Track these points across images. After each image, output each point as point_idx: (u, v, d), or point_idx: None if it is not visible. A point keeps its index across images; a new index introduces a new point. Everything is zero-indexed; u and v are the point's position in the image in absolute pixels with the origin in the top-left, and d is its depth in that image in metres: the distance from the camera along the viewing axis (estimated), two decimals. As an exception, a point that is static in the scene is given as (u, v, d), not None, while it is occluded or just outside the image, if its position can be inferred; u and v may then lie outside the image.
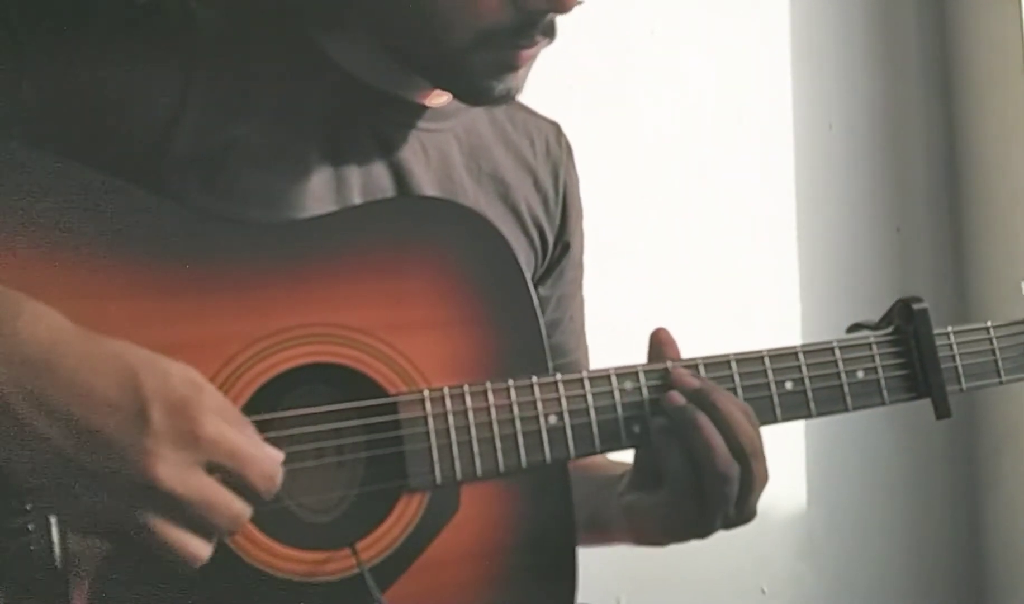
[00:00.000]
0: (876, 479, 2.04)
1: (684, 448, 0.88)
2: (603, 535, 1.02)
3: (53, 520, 0.73)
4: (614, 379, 0.89)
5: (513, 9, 0.87)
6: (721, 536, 1.01)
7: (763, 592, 1.94)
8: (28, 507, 0.73)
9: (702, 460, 0.87)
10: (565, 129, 1.18)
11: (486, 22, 0.88)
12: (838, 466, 2.00)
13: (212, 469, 0.71)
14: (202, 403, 0.71)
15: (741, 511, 0.90)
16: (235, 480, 0.72)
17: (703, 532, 0.92)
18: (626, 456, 0.97)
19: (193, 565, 0.71)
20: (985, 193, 2.12)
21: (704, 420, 0.87)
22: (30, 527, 0.73)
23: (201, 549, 0.71)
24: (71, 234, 0.78)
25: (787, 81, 2.05)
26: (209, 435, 0.70)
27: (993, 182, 2.10)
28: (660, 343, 0.94)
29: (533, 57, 0.93)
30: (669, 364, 0.91)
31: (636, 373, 0.90)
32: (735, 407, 0.89)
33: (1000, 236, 2.08)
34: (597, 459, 1.01)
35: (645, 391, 0.90)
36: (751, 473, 0.88)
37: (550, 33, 0.91)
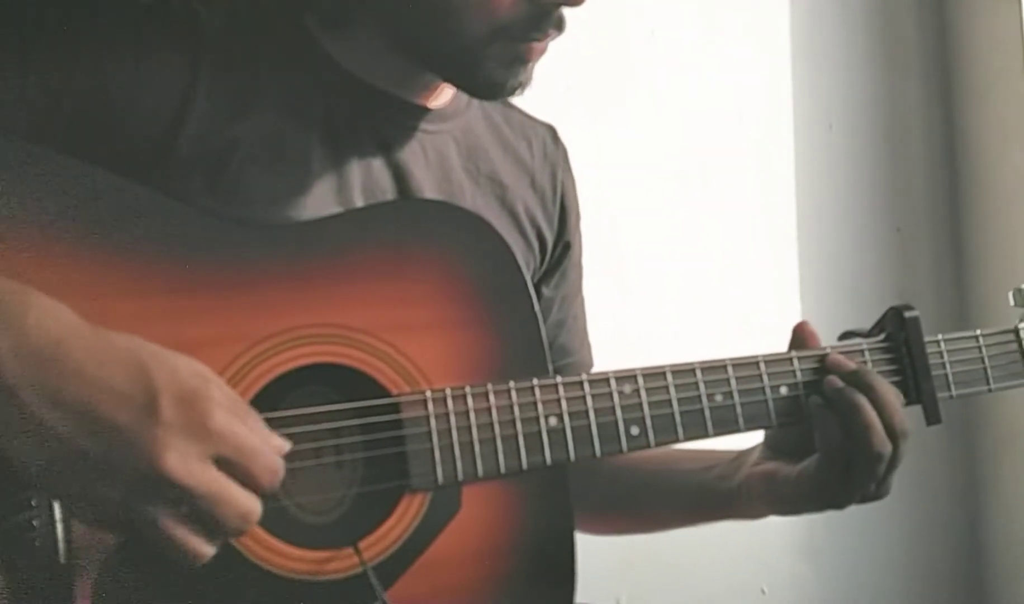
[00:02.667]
0: (876, 479, 2.04)
1: (841, 426, 0.93)
2: (713, 512, 1.07)
3: (58, 515, 0.74)
4: (613, 382, 0.90)
5: (527, 3, 0.89)
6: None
7: (763, 592, 1.94)
8: (33, 503, 0.73)
9: (860, 438, 0.92)
10: (564, 130, 1.19)
11: (501, 17, 0.89)
12: (838, 466, 2.00)
13: (221, 463, 0.71)
14: (211, 395, 0.71)
15: (881, 487, 0.96)
16: (242, 474, 0.72)
17: (843, 503, 0.97)
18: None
19: (195, 563, 0.71)
20: (985, 194, 2.12)
21: (864, 401, 0.92)
22: (35, 522, 0.73)
23: (203, 547, 0.71)
24: (76, 233, 0.79)
25: (787, 81, 2.05)
26: (218, 427, 0.70)
27: (993, 183, 2.10)
28: (804, 336, 0.99)
29: (543, 50, 0.94)
30: (667, 369, 0.92)
31: (634, 377, 0.91)
32: (890, 391, 0.94)
33: (1000, 236, 2.08)
34: (673, 451, 1.06)
35: (643, 393, 0.91)
36: (898, 452, 0.94)
37: (560, 26, 0.92)
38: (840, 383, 0.94)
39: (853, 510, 0.99)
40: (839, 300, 2.03)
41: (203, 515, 0.70)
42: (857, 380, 0.94)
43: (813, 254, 2.04)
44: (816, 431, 0.95)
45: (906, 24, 2.18)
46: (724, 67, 1.97)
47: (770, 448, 1.02)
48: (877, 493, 0.96)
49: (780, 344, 1.00)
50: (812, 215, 2.05)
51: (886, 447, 0.93)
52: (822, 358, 0.97)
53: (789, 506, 1.00)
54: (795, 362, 0.96)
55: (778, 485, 0.99)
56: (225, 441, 0.71)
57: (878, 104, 2.14)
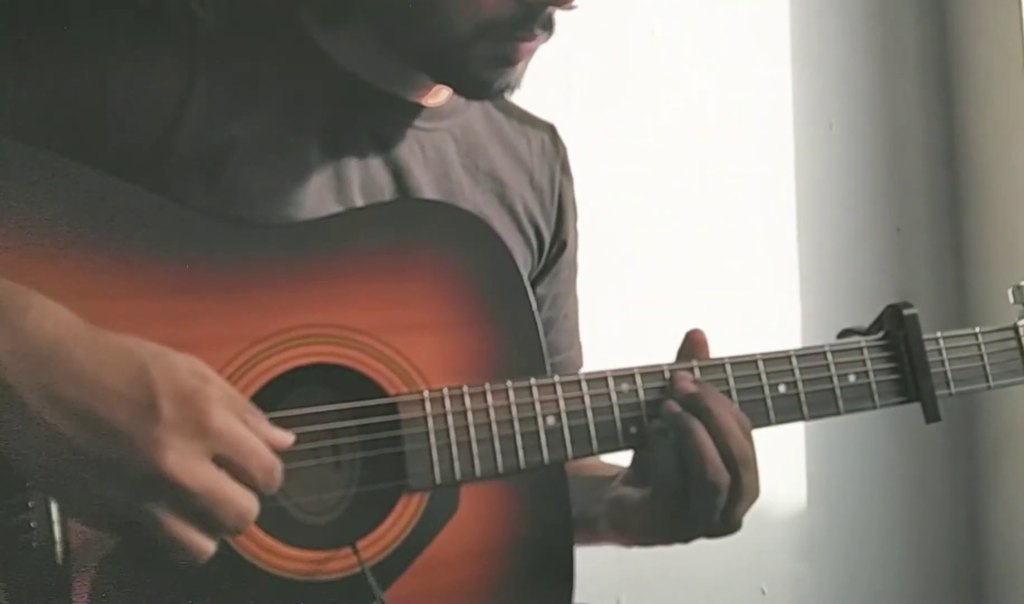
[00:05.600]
0: (876, 479, 2.04)
1: (676, 452, 0.88)
2: (589, 533, 1.02)
3: (55, 516, 0.74)
4: (611, 381, 0.90)
5: (514, 1, 0.89)
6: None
7: (763, 592, 1.94)
8: (30, 504, 0.73)
9: (693, 466, 0.88)
10: (564, 129, 1.19)
11: (487, 14, 0.89)
12: (838, 466, 2.00)
13: (219, 461, 0.71)
14: (210, 395, 0.71)
15: (727, 521, 0.91)
16: (239, 473, 0.72)
17: (684, 536, 0.92)
18: (620, 459, 0.98)
19: (197, 560, 0.71)
20: (985, 193, 2.12)
21: (697, 426, 0.88)
22: (32, 523, 0.73)
23: (205, 544, 0.71)
24: (75, 234, 0.79)
25: (787, 81, 2.05)
26: (217, 426, 0.71)
27: (993, 182, 2.10)
28: (693, 344, 0.95)
29: (532, 51, 0.93)
30: (666, 368, 0.92)
31: (632, 376, 0.91)
32: (730, 415, 0.89)
33: (1000, 236, 2.08)
34: (590, 461, 1.02)
35: (642, 393, 0.91)
36: (740, 483, 0.89)
37: (549, 27, 0.92)
38: (677, 408, 0.89)
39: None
40: (839, 300, 2.04)
41: (202, 513, 0.70)
42: (694, 403, 0.89)
43: (813, 254, 2.04)
44: (652, 459, 0.90)
45: (906, 24, 2.18)
46: (724, 67, 1.97)
47: (634, 468, 0.97)
48: (723, 527, 0.91)
49: (780, 344, 1.00)
50: (812, 215, 2.05)
51: (721, 476, 0.87)
52: (823, 354, 0.96)
53: (636, 536, 0.95)
54: (793, 361, 0.96)
55: (623, 511, 0.95)
56: (223, 440, 0.71)
57: (878, 104, 2.14)
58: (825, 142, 2.08)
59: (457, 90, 0.98)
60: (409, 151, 1.00)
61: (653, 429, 0.90)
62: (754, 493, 0.91)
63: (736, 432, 0.89)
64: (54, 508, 0.74)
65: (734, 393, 0.93)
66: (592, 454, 0.90)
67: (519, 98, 1.01)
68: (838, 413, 0.97)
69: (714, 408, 0.88)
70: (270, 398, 0.81)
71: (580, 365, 1.20)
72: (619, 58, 1.87)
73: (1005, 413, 2.06)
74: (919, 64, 2.18)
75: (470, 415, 0.85)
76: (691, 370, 0.92)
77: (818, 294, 2.03)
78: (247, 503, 0.72)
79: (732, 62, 1.98)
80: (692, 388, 0.90)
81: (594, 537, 1.01)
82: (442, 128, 1.03)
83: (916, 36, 2.19)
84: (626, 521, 0.95)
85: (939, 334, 1.01)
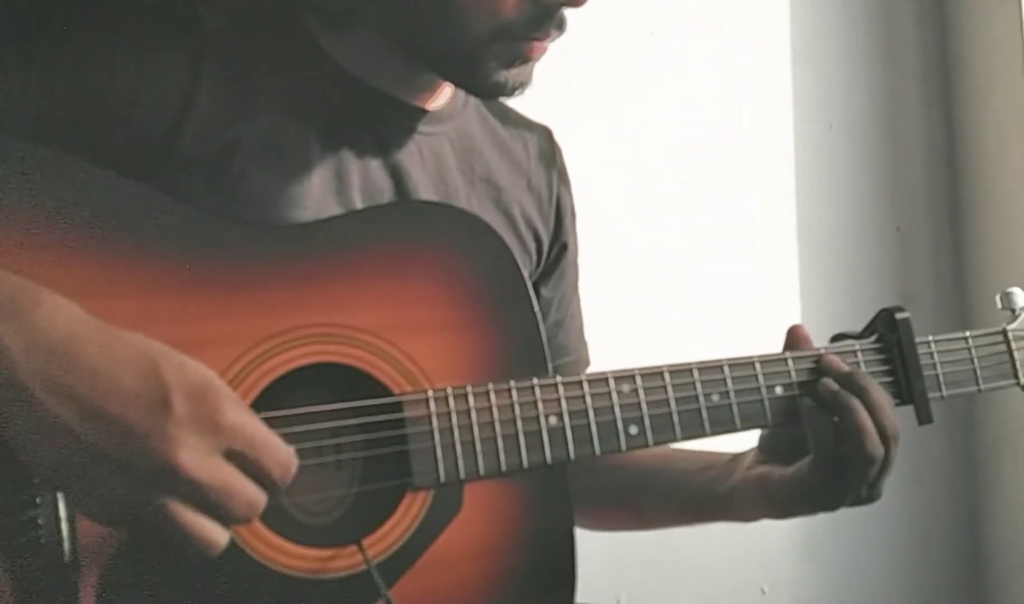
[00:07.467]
0: (876, 479, 2.04)
1: (835, 428, 0.93)
2: (707, 513, 1.08)
3: (63, 513, 0.74)
4: (612, 382, 0.91)
5: (530, 3, 0.90)
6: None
7: (763, 592, 1.94)
8: (38, 500, 0.73)
9: (853, 441, 0.93)
10: (564, 130, 1.19)
11: (505, 16, 0.90)
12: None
13: (230, 456, 0.71)
14: (220, 391, 0.71)
15: (872, 491, 0.96)
16: (252, 467, 0.72)
17: (835, 505, 0.98)
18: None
19: (211, 552, 0.71)
20: (985, 193, 2.12)
21: (857, 404, 0.93)
22: (40, 520, 0.73)
23: (219, 536, 0.71)
24: (80, 232, 0.79)
25: (787, 81, 2.06)
26: (229, 422, 0.71)
27: (993, 182, 2.11)
28: (795, 339, 1.00)
29: (544, 50, 0.94)
30: (665, 369, 0.92)
31: (633, 377, 0.91)
32: (881, 394, 0.95)
33: (1000, 236, 2.09)
34: (670, 451, 1.08)
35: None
36: (890, 456, 0.95)
37: (561, 26, 0.93)
38: (835, 386, 0.95)
39: (853, 510, 0.99)
40: (839, 300, 2.04)
41: (213, 506, 0.70)
42: (850, 382, 0.94)
43: (813, 254, 2.05)
44: (809, 433, 0.95)
45: (906, 24, 2.18)
46: (724, 67, 1.98)
47: (763, 452, 1.03)
48: (869, 496, 0.97)
49: (780, 344, 1.00)
50: (812, 215, 2.05)
51: (878, 450, 0.93)
52: (816, 359, 0.98)
53: (782, 508, 1.00)
54: (790, 363, 0.97)
55: (771, 488, 1.00)
56: (238, 436, 0.71)
57: (878, 104, 2.14)
58: (825, 142, 2.08)
59: (471, 90, 0.99)
60: (408, 154, 1.01)
61: (805, 406, 0.95)
62: (894, 466, 0.96)
63: (888, 409, 0.94)
64: (62, 505, 0.74)
65: (732, 394, 0.94)
66: (593, 454, 0.90)
67: (518, 99, 1.01)
68: None
69: (869, 386, 0.94)
70: (274, 397, 0.82)
71: (588, 363, 1.21)
72: (619, 58, 1.87)
73: (1004, 413, 2.06)
74: (919, 64, 2.19)
75: (474, 414, 0.86)
76: (689, 372, 0.93)
77: (818, 294, 2.03)
78: (255, 494, 0.72)
79: (732, 62, 1.98)
80: (846, 368, 0.96)
81: (712, 515, 1.07)
82: (440, 132, 1.04)
83: (916, 36, 2.19)
84: (773, 497, 1.00)
85: (930, 337, 1.02)
